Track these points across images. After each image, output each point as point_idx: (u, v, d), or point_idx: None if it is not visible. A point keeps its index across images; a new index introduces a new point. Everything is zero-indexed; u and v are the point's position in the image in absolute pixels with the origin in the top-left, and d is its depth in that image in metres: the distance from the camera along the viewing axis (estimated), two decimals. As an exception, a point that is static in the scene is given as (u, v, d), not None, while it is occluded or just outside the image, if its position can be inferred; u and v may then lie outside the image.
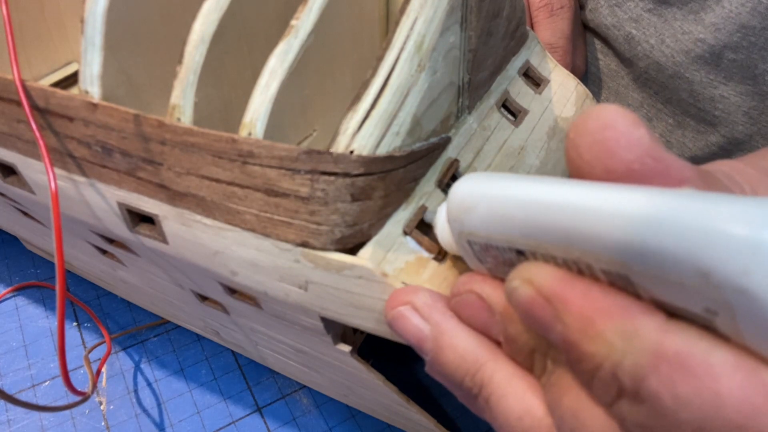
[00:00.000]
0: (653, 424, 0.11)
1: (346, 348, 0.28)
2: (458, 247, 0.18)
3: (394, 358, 0.42)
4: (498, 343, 0.17)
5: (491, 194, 0.16)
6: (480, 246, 0.17)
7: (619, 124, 0.13)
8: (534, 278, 0.14)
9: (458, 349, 0.17)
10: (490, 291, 0.17)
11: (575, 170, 0.14)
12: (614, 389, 0.11)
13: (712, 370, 0.10)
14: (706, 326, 0.11)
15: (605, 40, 0.48)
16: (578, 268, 0.13)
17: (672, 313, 0.11)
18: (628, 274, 0.12)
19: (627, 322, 0.11)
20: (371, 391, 0.33)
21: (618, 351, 0.11)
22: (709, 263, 0.10)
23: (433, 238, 0.22)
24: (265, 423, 0.39)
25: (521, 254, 0.15)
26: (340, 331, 0.29)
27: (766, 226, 0.10)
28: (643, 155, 0.13)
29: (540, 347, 0.15)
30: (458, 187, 0.17)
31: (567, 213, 0.13)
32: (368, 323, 0.22)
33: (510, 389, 0.16)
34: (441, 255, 0.22)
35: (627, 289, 0.12)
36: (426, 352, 0.18)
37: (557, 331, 0.13)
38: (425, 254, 0.22)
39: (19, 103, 0.24)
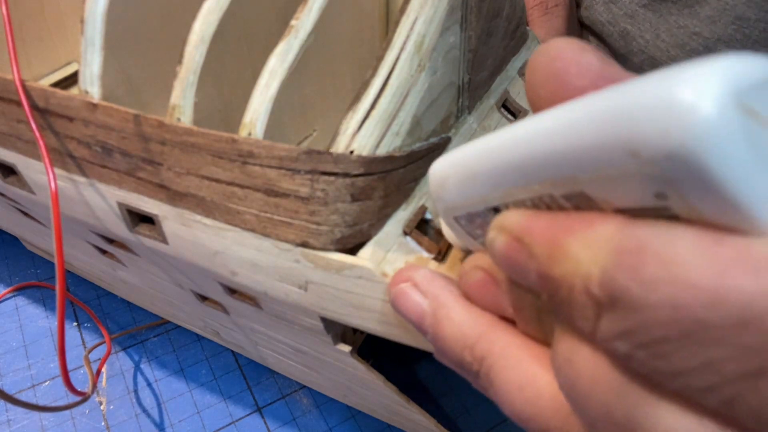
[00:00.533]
0: (631, 325, 0.10)
1: (346, 348, 0.28)
2: (451, 230, 0.19)
3: (394, 358, 0.42)
4: (512, 322, 0.16)
5: (456, 161, 0.16)
6: (465, 219, 0.17)
7: (566, 53, 0.13)
8: (505, 223, 0.14)
9: (456, 321, 0.17)
10: (492, 262, 0.16)
11: (536, 111, 0.14)
12: (591, 310, 0.11)
13: (674, 247, 0.10)
14: (666, 218, 0.11)
15: (600, 37, 0.48)
16: (546, 204, 0.13)
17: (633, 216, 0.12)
18: (583, 189, 0.12)
19: (588, 231, 0.11)
20: (371, 391, 0.33)
21: (585, 263, 0.11)
22: (633, 139, 0.10)
23: (433, 238, 0.22)
24: (265, 423, 0.39)
25: (497, 211, 0.15)
26: (340, 331, 0.29)
27: (675, 83, 0.10)
28: (595, 79, 0.13)
29: (545, 307, 0.15)
30: (432, 168, 0.18)
31: (513, 149, 0.13)
32: (368, 323, 0.22)
33: (511, 359, 0.15)
34: (441, 255, 0.22)
35: (590, 207, 0.12)
36: (426, 329, 0.18)
37: (533, 271, 0.13)
38: (425, 254, 0.22)
39: (19, 103, 0.24)
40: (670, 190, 0.10)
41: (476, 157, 0.15)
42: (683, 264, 0.09)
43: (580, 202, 0.12)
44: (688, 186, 0.10)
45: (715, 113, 0.09)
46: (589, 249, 0.11)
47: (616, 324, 0.10)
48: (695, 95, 0.09)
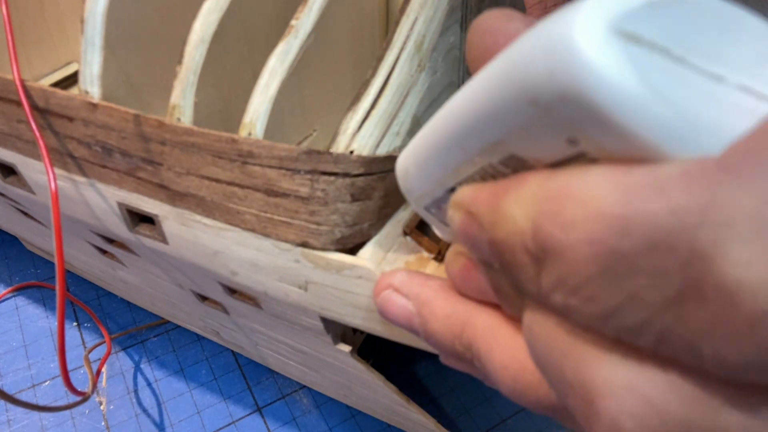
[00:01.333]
0: (560, 272, 0.10)
1: (346, 348, 0.28)
2: (427, 221, 0.19)
3: (394, 358, 0.42)
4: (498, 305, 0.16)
5: (411, 149, 0.16)
6: (434, 207, 0.17)
7: (494, 24, 0.13)
8: (457, 199, 0.14)
9: (439, 315, 0.17)
10: None
11: None
12: (532, 268, 0.11)
13: (587, 185, 0.10)
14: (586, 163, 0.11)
15: None
16: (491, 175, 0.13)
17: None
18: (513, 151, 0.12)
19: (519, 189, 0.11)
20: (371, 391, 0.33)
21: (519, 220, 0.11)
22: (529, 87, 0.10)
23: (433, 238, 0.22)
24: (265, 423, 0.39)
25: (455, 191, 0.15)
26: (340, 331, 0.29)
27: (553, 25, 0.09)
28: None
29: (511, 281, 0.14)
30: (396, 163, 0.18)
31: (447, 125, 0.14)
32: (368, 323, 0.22)
33: (494, 340, 0.15)
34: (441, 255, 0.22)
35: (524, 168, 0.12)
36: (417, 330, 0.18)
37: (484, 242, 0.13)
38: (425, 254, 0.22)
39: (19, 103, 0.24)
40: (576, 133, 0.10)
41: (424, 140, 0.15)
42: (595, 198, 0.09)
43: (516, 166, 0.12)
44: (587, 125, 0.10)
45: (592, 47, 0.09)
46: (521, 205, 0.11)
47: (550, 275, 0.10)
48: (571, 32, 0.09)
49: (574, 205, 0.10)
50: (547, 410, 0.14)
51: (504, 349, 0.15)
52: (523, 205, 0.11)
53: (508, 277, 0.13)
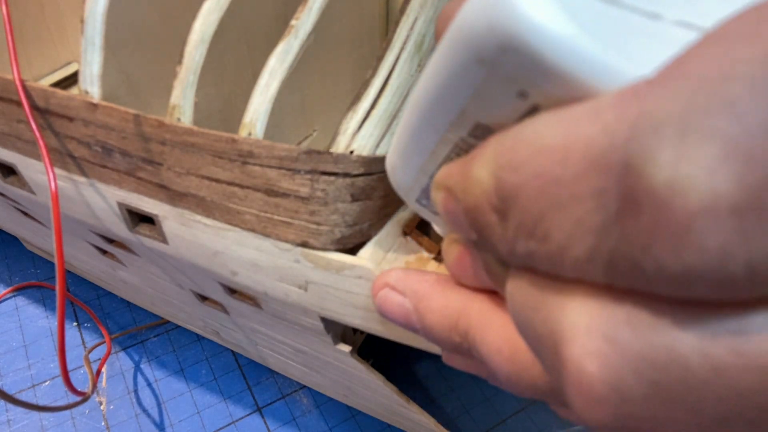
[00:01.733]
0: (518, 216, 0.10)
1: (346, 348, 0.28)
2: (422, 215, 0.19)
3: (394, 358, 0.42)
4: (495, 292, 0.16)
5: (394, 143, 0.17)
6: (425, 198, 0.17)
7: (456, 11, 0.14)
8: (437, 179, 0.14)
9: (436, 308, 0.17)
10: None
11: None
12: (500, 227, 0.11)
13: (534, 128, 0.10)
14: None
15: None
16: (465, 151, 0.14)
17: None
18: (477, 119, 0.12)
19: (483, 152, 0.11)
20: (371, 391, 0.33)
21: (484, 180, 0.11)
22: (474, 45, 0.10)
23: (434, 237, 0.22)
24: (265, 423, 0.39)
25: None
26: (340, 331, 0.29)
27: None
28: None
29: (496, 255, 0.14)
30: (386, 162, 0.18)
31: (416, 107, 0.14)
32: (368, 323, 0.23)
33: (488, 325, 0.15)
34: (441, 255, 0.22)
35: (491, 135, 0.13)
36: (415, 326, 0.18)
37: (461, 214, 0.13)
38: (425, 254, 0.22)
39: (19, 103, 0.24)
40: (523, 84, 0.10)
41: (402, 129, 0.15)
42: (540, 136, 0.10)
43: (484, 134, 0.12)
44: (529, 73, 0.10)
45: None
46: (484, 166, 0.11)
47: (511, 224, 0.10)
48: None
49: (523, 147, 0.10)
50: (543, 394, 0.14)
51: (498, 332, 0.15)
52: (486, 164, 0.11)
53: (487, 247, 0.13)
